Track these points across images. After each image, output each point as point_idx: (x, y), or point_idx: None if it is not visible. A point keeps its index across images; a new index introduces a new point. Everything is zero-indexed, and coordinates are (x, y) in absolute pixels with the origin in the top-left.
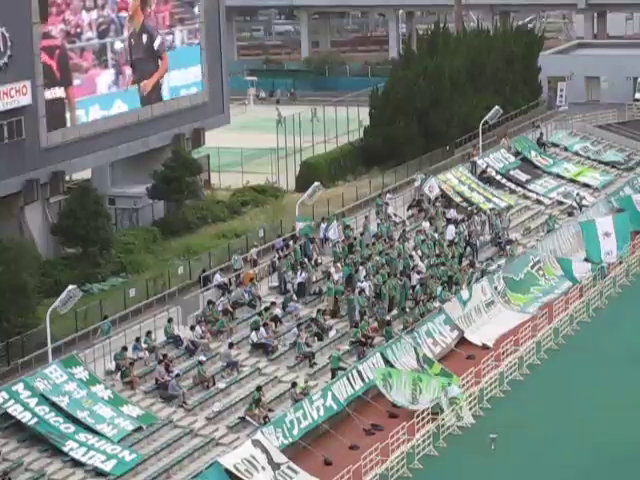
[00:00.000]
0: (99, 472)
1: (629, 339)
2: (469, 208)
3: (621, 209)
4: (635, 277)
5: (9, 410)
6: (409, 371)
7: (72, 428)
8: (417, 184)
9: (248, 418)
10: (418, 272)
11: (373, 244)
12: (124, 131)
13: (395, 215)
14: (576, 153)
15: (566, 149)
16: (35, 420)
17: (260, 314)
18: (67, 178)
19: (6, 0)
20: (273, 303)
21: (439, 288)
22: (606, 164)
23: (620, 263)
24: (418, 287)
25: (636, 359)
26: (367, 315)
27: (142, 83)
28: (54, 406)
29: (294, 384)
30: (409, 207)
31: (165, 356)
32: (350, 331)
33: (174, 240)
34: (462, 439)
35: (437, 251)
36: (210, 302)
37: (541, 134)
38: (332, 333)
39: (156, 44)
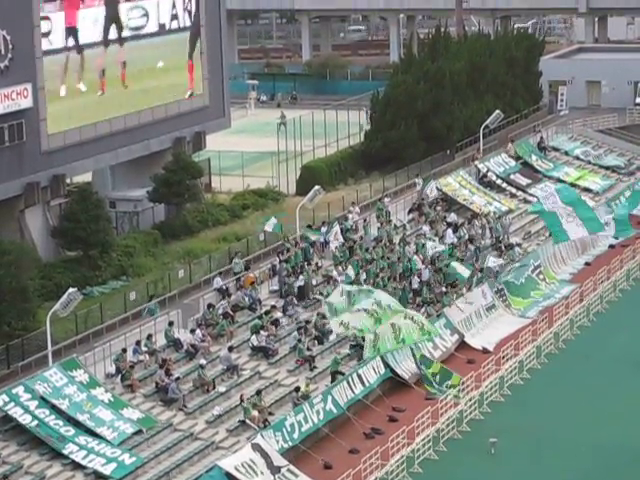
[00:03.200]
0: (99, 475)
1: (629, 343)
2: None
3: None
4: (635, 282)
5: (9, 413)
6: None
7: (72, 431)
8: (419, 188)
9: (248, 422)
10: (419, 276)
11: (374, 248)
12: (125, 134)
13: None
14: (577, 157)
15: (567, 153)
16: (35, 423)
17: (260, 318)
18: (68, 181)
19: (7, 3)
20: (273, 307)
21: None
22: (607, 168)
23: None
24: (425, 289)
25: (636, 363)
26: None
27: None
28: (54, 409)
29: (297, 389)
30: (409, 211)
31: (165, 360)
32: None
33: (175, 243)
34: (462, 443)
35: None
36: (210, 305)
37: (542, 138)
38: (332, 337)
39: None
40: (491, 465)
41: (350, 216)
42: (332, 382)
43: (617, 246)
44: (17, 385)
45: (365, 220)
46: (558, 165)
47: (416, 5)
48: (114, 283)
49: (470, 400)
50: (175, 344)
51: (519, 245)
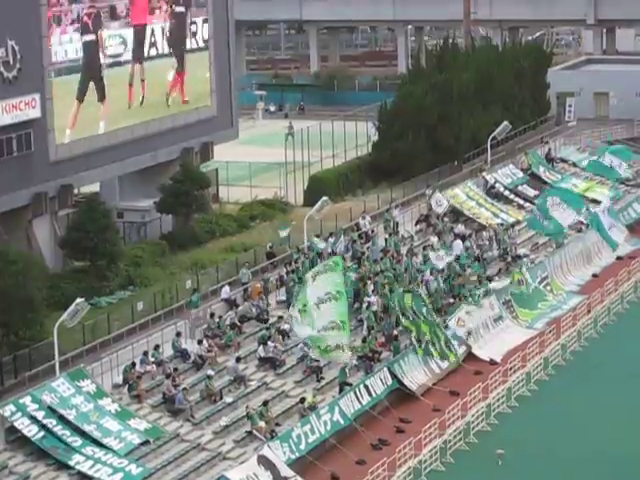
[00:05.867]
0: None
1: (637, 355)
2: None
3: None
4: None
5: (16, 423)
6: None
7: (79, 441)
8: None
9: (255, 432)
10: (426, 286)
11: (381, 259)
12: (132, 144)
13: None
14: (584, 169)
15: (574, 165)
16: (41, 434)
17: (268, 328)
18: (75, 191)
19: (16, 14)
20: (281, 317)
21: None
22: (615, 180)
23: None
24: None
25: None
26: (374, 330)
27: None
28: (61, 419)
29: (303, 399)
30: (417, 222)
31: (173, 370)
32: (358, 346)
33: (182, 254)
34: (469, 455)
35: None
36: (212, 315)
37: (549, 149)
38: None
39: None
40: (498, 477)
41: (362, 222)
42: (340, 393)
43: (625, 258)
44: (24, 395)
45: (373, 231)
46: (566, 176)
47: (424, 16)
48: (121, 293)
49: (477, 411)
50: (182, 355)
51: (527, 256)
